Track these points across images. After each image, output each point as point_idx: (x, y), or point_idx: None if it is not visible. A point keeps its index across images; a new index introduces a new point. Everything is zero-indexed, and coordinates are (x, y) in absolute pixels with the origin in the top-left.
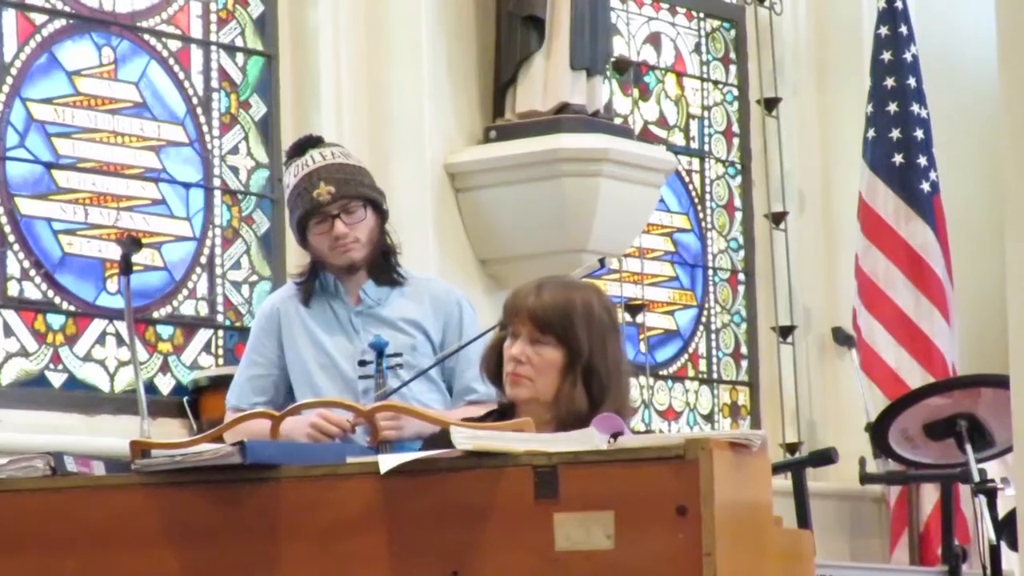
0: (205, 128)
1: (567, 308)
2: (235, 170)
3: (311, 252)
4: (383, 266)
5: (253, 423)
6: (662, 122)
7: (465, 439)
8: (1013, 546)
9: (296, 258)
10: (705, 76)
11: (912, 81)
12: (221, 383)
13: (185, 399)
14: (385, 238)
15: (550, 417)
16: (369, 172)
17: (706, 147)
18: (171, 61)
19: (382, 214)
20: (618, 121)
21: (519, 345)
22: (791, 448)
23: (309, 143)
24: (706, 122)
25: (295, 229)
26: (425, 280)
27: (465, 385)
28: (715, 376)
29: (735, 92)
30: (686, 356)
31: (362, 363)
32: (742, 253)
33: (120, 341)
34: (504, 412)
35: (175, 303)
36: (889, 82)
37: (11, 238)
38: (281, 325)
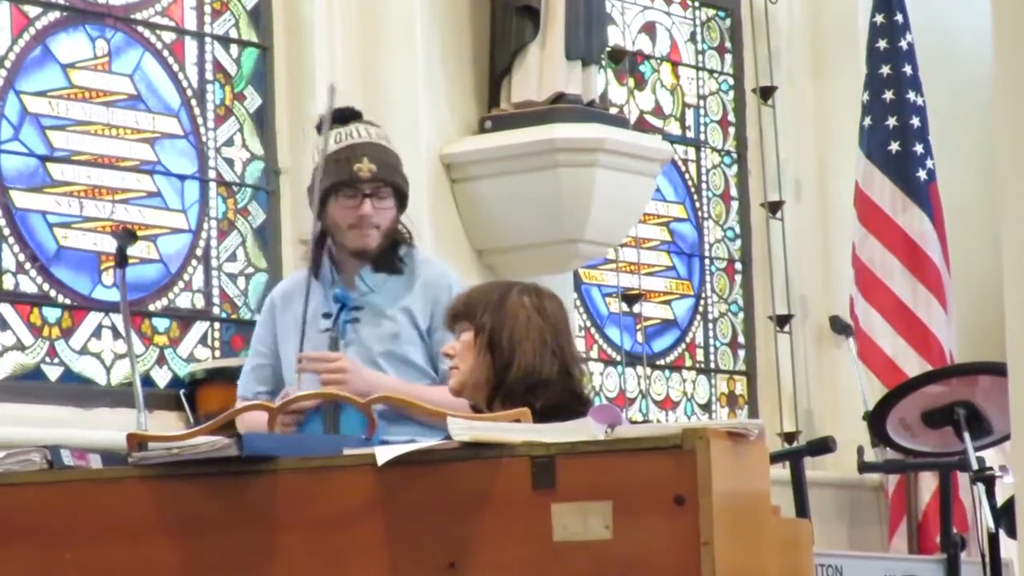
0: (200, 120)
1: (478, 294)
2: (230, 162)
3: (326, 223)
4: (387, 255)
5: (248, 414)
6: (658, 111)
7: (462, 430)
8: (1012, 534)
9: (291, 251)
10: (700, 65)
11: (908, 69)
12: (218, 375)
13: (182, 392)
14: (398, 228)
15: (482, 397)
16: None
17: (702, 136)
18: (165, 53)
19: (403, 207)
20: (613, 111)
21: (448, 342)
22: (789, 437)
23: (352, 115)
24: (702, 111)
25: (318, 193)
26: (422, 263)
27: (443, 371)
28: (712, 366)
29: (730, 81)
30: (683, 346)
31: (326, 316)
32: (739, 242)
33: (116, 334)
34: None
35: (171, 296)
36: (885, 70)
37: (6, 231)
38: (276, 317)
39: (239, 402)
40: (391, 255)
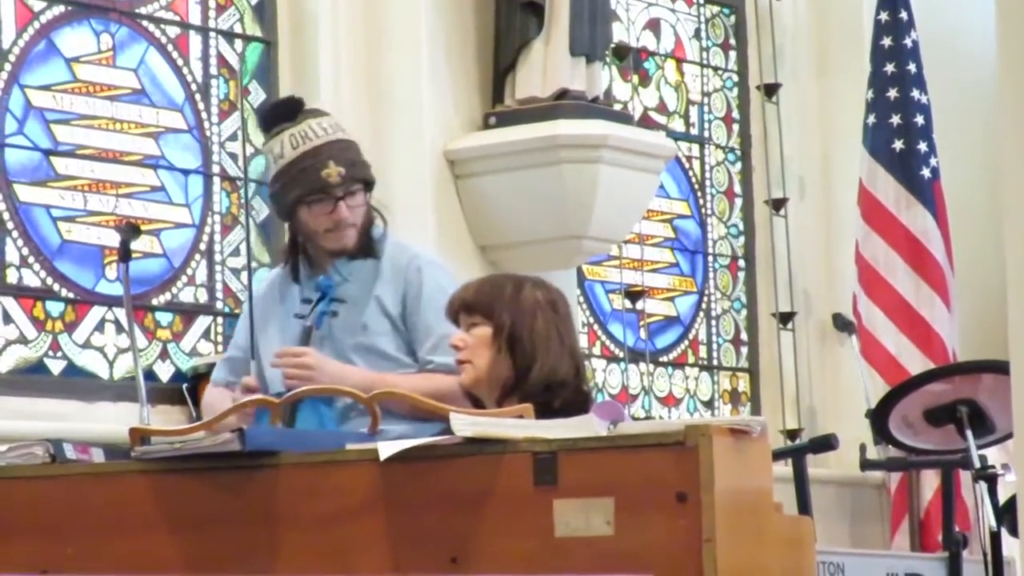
0: (204, 115)
1: (491, 287)
2: (234, 157)
3: (298, 229)
4: (362, 245)
5: (212, 403)
6: (662, 108)
7: (465, 426)
8: (1014, 532)
9: None
10: (705, 62)
11: (912, 67)
12: None
13: (184, 386)
14: (370, 215)
15: (496, 394)
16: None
17: (706, 133)
18: (170, 48)
19: (370, 190)
20: (618, 107)
21: (458, 334)
22: (791, 434)
23: (297, 108)
24: (706, 108)
25: (288, 204)
26: (392, 247)
27: (422, 358)
28: (715, 362)
29: (735, 78)
30: (686, 343)
31: (307, 301)
32: (742, 239)
33: (119, 328)
34: (476, 400)
35: (174, 290)
36: (889, 68)
37: (10, 225)
38: (255, 310)
39: (211, 387)
40: (366, 244)
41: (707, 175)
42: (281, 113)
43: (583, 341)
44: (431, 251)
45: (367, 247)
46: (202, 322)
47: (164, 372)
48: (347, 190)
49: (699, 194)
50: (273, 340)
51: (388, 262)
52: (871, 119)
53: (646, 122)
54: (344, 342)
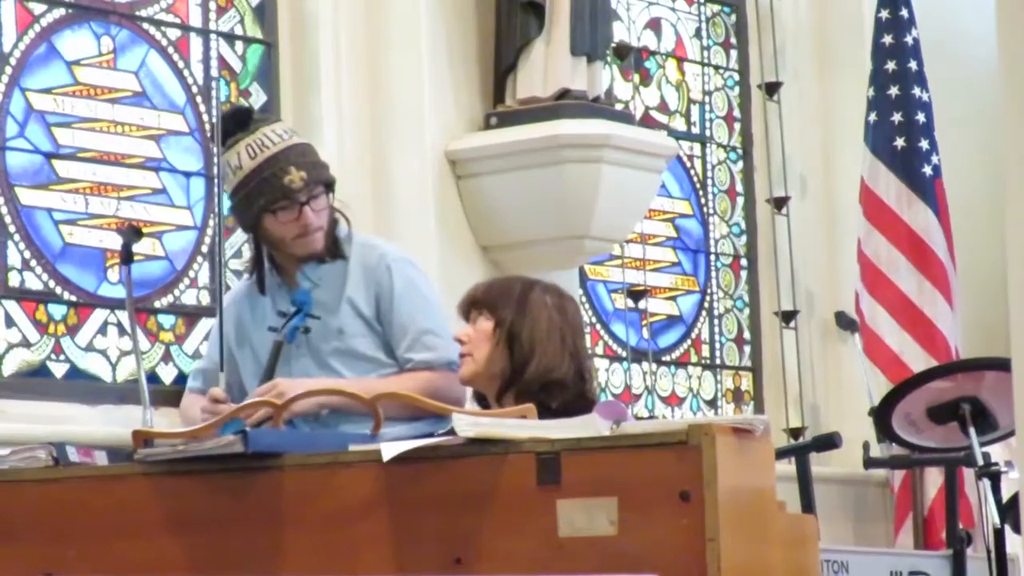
0: (205, 117)
1: (500, 286)
2: None
3: (263, 238)
4: (329, 247)
5: (189, 410)
6: (663, 107)
7: (467, 426)
8: (1017, 529)
9: None
10: (706, 61)
11: (913, 64)
12: None
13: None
14: (333, 215)
15: (495, 388)
16: None
17: (707, 132)
18: (170, 50)
19: (331, 190)
20: (619, 107)
21: (462, 329)
22: (794, 433)
23: (248, 116)
24: (707, 107)
25: (252, 214)
26: (361, 246)
27: (401, 356)
28: (718, 361)
29: (736, 77)
30: (689, 342)
31: (282, 314)
32: (744, 238)
33: (122, 331)
34: (479, 395)
35: (176, 292)
36: (890, 65)
37: (12, 228)
38: (226, 323)
39: (187, 393)
40: (333, 245)
41: (709, 174)
42: (233, 124)
43: (585, 341)
44: (399, 248)
45: (334, 249)
46: (204, 324)
47: (167, 374)
48: (311, 194)
49: (701, 193)
50: (250, 355)
51: (357, 263)
52: (872, 117)
53: (647, 121)
54: (322, 349)
